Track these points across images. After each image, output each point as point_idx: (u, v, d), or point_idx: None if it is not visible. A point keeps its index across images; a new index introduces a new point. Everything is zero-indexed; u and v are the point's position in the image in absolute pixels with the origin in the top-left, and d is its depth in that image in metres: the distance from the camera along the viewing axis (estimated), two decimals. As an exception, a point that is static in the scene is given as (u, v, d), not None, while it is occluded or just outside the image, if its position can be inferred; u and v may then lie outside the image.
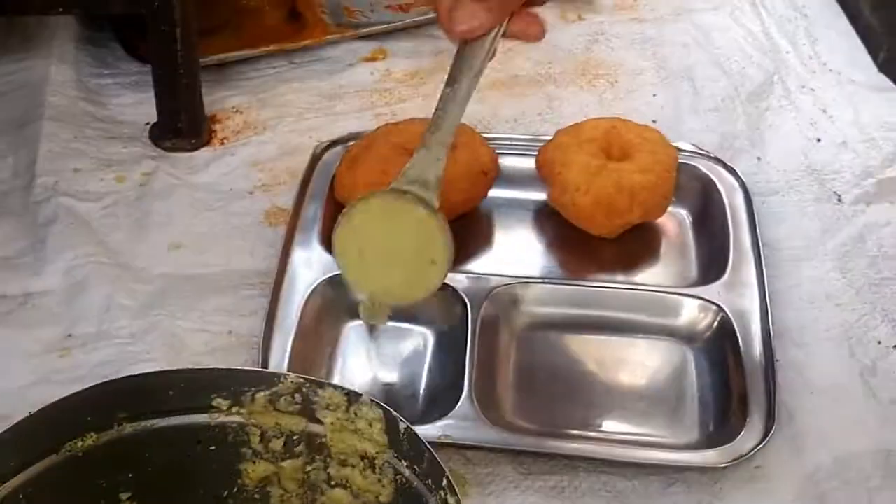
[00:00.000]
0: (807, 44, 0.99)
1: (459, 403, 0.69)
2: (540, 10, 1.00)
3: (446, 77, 0.64)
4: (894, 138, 0.89)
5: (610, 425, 0.71)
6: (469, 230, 0.82)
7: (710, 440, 0.69)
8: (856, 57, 0.98)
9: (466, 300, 0.74)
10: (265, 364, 0.71)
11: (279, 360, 0.71)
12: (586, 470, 0.68)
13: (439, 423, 0.68)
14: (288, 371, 0.68)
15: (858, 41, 0.99)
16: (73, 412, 0.51)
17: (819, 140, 0.90)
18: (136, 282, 0.78)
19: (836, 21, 1.00)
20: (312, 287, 0.75)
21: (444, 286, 0.75)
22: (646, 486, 0.67)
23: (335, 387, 0.51)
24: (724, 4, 1.03)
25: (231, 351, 0.74)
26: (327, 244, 0.78)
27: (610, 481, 0.67)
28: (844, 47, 0.98)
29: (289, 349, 0.71)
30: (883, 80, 0.95)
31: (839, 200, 0.85)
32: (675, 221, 0.83)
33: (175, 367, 0.54)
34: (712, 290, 0.76)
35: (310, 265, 0.77)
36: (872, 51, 0.98)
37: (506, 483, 0.67)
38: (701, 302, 0.75)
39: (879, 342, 0.75)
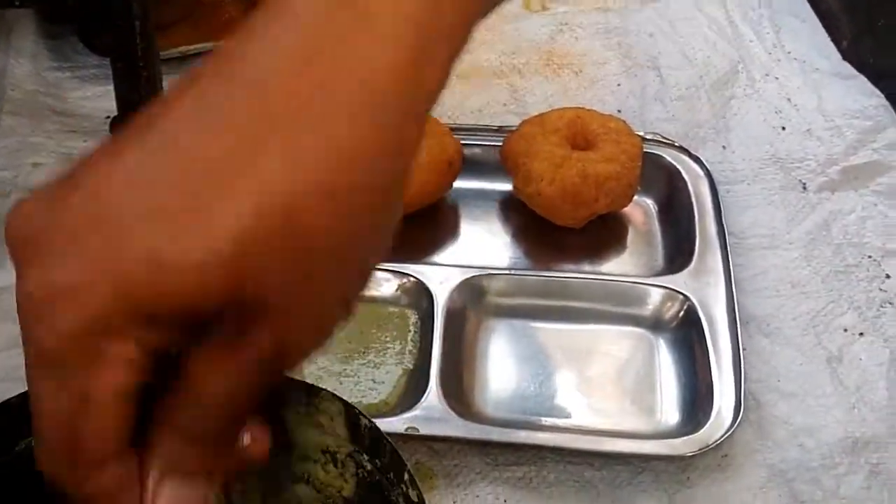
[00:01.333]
0: (771, 32, 0.99)
1: (425, 395, 0.68)
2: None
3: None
4: (858, 126, 0.89)
5: (577, 415, 0.70)
6: (434, 221, 0.82)
7: (677, 429, 0.69)
8: (819, 45, 0.98)
9: (432, 291, 0.74)
10: (228, 359, 0.70)
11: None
12: (554, 460, 0.67)
13: (405, 416, 0.67)
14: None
15: (822, 29, 0.99)
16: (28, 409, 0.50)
17: (784, 128, 0.89)
18: (97, 277, 0.76)
19: (800, 9, 1.00)
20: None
21: (410, 277, 0.75)
22: (613, 476, 0.67)
23: (292, 380, 0.50)
24: (689, -7, 1.02)
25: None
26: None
27: (577, 471, 0.67)
28: (808, 35, 0.98)
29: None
30: (846, 67, 0.95)
31: (804, 189, 0.85)
32: (641, 211, 0.83)
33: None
34: (678, 279, 0.75)
35: (273, 258, 0.76)
36: (836, 38, 0.98)
37: (473, 474, 0.67)
38: (667, 291, 0.75)
39: (845, 330, 0.75)
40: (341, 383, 0.71)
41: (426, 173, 0.79)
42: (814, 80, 0.94)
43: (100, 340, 0.34)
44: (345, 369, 0.71)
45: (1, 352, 0.71)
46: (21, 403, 0.49)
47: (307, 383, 0.50)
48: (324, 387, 0.50)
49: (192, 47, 0.93)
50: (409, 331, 0.74)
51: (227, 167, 0.33)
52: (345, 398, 0.50)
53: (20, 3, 0.88)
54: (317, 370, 0.71)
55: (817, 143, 0.88)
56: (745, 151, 0.87)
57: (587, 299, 0.76)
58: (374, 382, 0.71)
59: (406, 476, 0.47)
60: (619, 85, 0.93)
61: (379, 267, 0.74)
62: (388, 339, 0.73)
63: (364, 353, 0.72)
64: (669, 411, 0.70)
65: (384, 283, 0.75)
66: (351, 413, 0.49)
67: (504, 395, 0.71)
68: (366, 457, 0.49)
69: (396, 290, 0.75)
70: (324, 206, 0.34)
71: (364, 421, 0.49)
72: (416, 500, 0.47)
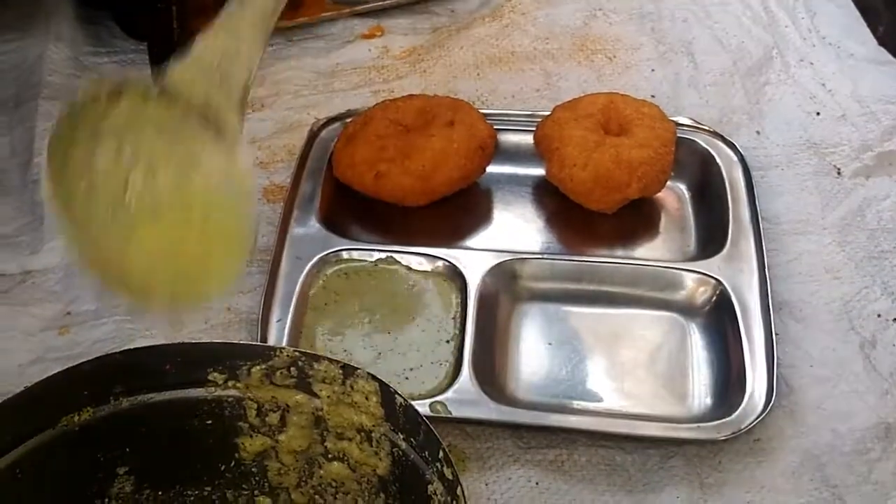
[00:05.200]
0: (805, 17, 0.98)
1: (458, 378, 0.69)
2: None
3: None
4: (893, 111, 0.88)
5: (609, 399, 0.70)
6: (467, 206, 0.82)
7: (709, 414, 0.69)
8: (855, 30, 0.97)
9: (465, 276, 0.74)
10: (264, 340, 0.71)
11: (278, 336, 0.71)
12: (585, 444, 0.68)
13: (438, 398, 0.68)
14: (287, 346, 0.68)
15: (857, 14, 0.98)
16: (69, 387, 0.51)
17: (818, 114, 0.89)
18: (134, 259, 0.77)
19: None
20: (311, 263, 0.75)
21: (444, 261, 0.75)
22: (645, 460, 0.67)
23: (331, 360, 0.51)
24: (723, -21, 1.02)
25: (230, 327, 0.74)
26: (325, 221, 0.78)
27: (609, 455, 0.67)
28: (843, 20, 0.98)
29: (287, 325, 0.71)
30: (882, 53, 0.95)
31: (838, 174, 0.84)
32: (674, 196, 0.83)
33: (179, 342, 0.53)
34: (711, 265, 0.75)
35: (308, 242, 0.77)
36: (871, 24, 0.97)
37: (505, 457, 0.67)
38: (700, 276, 0.75)
39: (879, 315, 0.75)
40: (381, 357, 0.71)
41: (459, 158, 0.79)
42: (849, 65, 0.93)
43: None
44: (390, 348, 0.72)
45: (36, 334, 0.73)
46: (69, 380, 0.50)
47: (344, 363, 0.51)
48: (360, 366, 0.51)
49: (227, 32, 0.94)
50: (454, 313, 0.74)
51: None
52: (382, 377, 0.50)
53: (59, -12, 0.89)
54: (361, 347, 0.72)
55: (852, 128, 0.87)
56: (779, 137, 0.87)
57: (619, 284, 0.76)
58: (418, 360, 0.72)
59: (441, 454, 0.48)
60: (652, 70, 0.93)
61: (414, 251, 0.75)
62: (429, 319, 0.74)
63: (406, 330, 0.73)
64: (701, 396, 0.70)
65: (421, 265, 0.76)
66: (386, 392, 0.50)
67: (536, 378, 0.72)
68: (401, 436, 0.50)
69: (431, 272, 0.76)
70: None
71: (399, 400, 0.50)
72: (450, 478, 0.48)
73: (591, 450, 0.67)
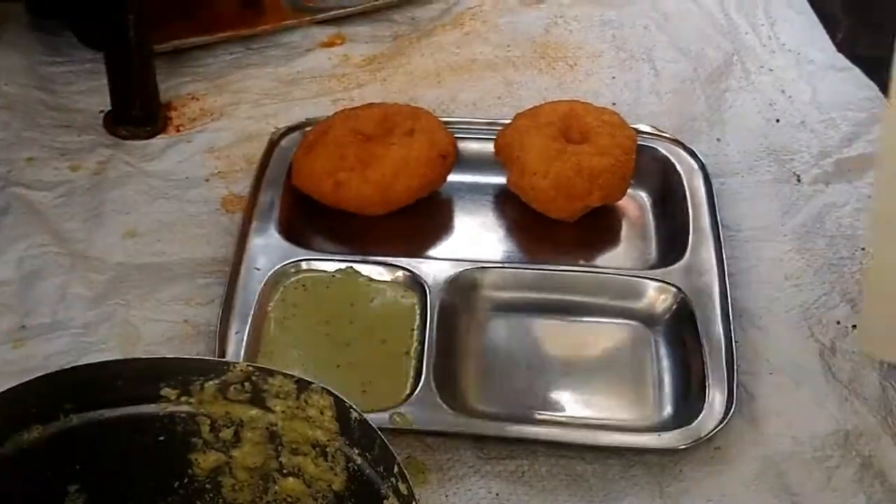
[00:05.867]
0: (765, 24, 0.99)
1: (418, 388, 0.68)
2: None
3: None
4: (852, 118, 0.89)
5: (570, 408, 0.70)
6: (428, 215, 0.82)
7: (669, 422, 0.69)
8: (814, 37, 0.98)
9: (426, 286, 0.74)
10: (222, 353, 0.70)
11: (236, 349, 0.70)
12: (546, 454, 0.67)
13: (399, 409, 0.67)
14: (244, 360, 0.68)
15: (817, 21, 0.99)
16: (18, 403, 0.50)
17: (778, 120, 0.90)
18: (90, 271, 0.77)
19: (795, 0, 1.00)
20: (269, 274, 0.74)
21: (404, 271, 0.75)
22: (605, 470, 0.67)
23: (285, 375, 0.51)
24: (684, -15, 1.03)
25: (187, 340, 0.73)
26: (285, 231, 0.78)
27: (569, 465, 0.67)
28: (803, 27, 0.98)
29: (245, 337, 0.71)
30: (841, 59, 0.95)
31: (798, 181, 0.85)
32: (635, 204, 0.83)
33: (132, 358, 0.53)
34: (672, 273, 0.76)
35: (267, 252, 0.76)
36: (830, 30, 0.98)
37: (466, 468, 0.67)
38: (660, 284, 0.75)
39: (838, 322, 0.75)
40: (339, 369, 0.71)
41: (419, 167, 0.79)
42: (808, 72, 0.94)
43: None
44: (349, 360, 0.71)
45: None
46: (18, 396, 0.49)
47: (298, 377, 0.51)
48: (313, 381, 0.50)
49: (186, 41, 0.94)
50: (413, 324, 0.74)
51: None
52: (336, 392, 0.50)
53: (14, -3, 0.89)
54: (320, 359, 0.71)
55: (811, 135, 0.88)
56: (739, 144, 0.88)
57: (581, 293, 0.75)
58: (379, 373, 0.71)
59: (396, 469, 0.48)
60: (613, 78, 0.93)
61: (374, 261, 0.75)
62: (388, 330, 0.73)
63: (365, 341, 0.72)
64: (662, 404, 0.70)
65: (381, 276, 0.76)
66: (341, 406, 0.50)
67: (497, 389, 0.71)
68: (356, 450, 0.50)
69: (391, 282, 0.75)
70: None
71: (354, 414, 0.49)
72: (405, 493, 0.47)
73: (552, 460, 0.67)
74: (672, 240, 0.79)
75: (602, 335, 0.74)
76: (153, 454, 0.52)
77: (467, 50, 0.95)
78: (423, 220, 0.81)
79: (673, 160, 0.83)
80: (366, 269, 0.75)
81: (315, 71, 0.93)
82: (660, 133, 0.85)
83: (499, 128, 0.83)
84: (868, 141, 0.87)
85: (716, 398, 0.68)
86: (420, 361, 0.70)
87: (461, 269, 0.75)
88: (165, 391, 0.52)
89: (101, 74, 0.87)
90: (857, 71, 0.94)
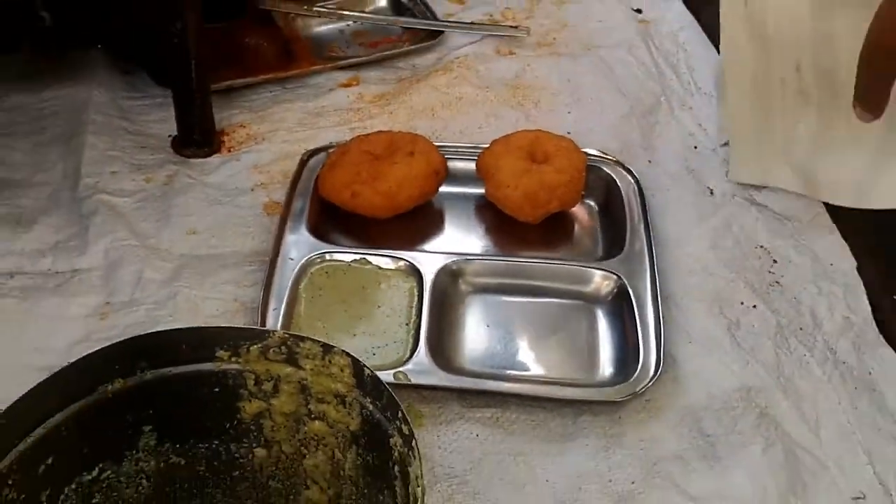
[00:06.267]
0: (686, 72, 0.98)
1: (416, 353, 0.68)
2: (480, 45, 1.00)
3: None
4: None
5: (534, 369, 0.70)
6: (424, 219, 0.81)
7: (611, 380, 0.69)
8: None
9: (422, 273, 0.74)
10: (263, 324, 0.70)
11: (274, 321, 0.70)
12: (516, 404, 0.67)
13: (401, 369, 0.67)
14: (280, 329, 0.68)
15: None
16: (104, 362, 0.50)
17: (696, 147, 0.89)
18: (160, 260, 0.76)
19: (708, 53, 1.00)
20: (300, 263, 0.74)
21: (405, 261, 0.75)
22: (562, 417, 0.67)
23: (313, 340, 0.50)
24: (623, 42, 1.02)
25: (237, 314, 0.73)
26: (312, 230, 0.77)
27: (533, 413, 0.67)
28: (714, 74, 0.98)
29: (281, 312, 0.70)
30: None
31: (711, 194, 0.84)
32: (585, 210, 0.83)
33: (193, 327, 0.52)
34: (613, 264, 0.75)
35: (298, 246, 0.76)
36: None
37: (453, 415, 0.67)
38: (604, 273, 0.75)
39: (742, 303, 0.75)
40: (355, 337, 0.70)
41: (418, 181, 0.79)
42: (718, 110, 0.94)
43: None
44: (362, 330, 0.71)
45: (82, 319, 0.72)
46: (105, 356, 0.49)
47: (323, 342, 0.50)
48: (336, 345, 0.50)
49: (236, 81, 0.93)
50: (412, 302, 0.73)
51: None
52: (354, 354, 0.50)
53: (102, 45, 0.88)
54: (339, 329, 0.71)
55: (721, 159, 0.87)
56: (666, 165, 0.87)
57: (542, 279, 0.75)
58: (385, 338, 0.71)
59: (399, 414, 0.47)
60: (568, 112, 0.93)
61: (382, 253, 0.75)
62: (393, 307, 0.73)
63: (374, 316, 0.72)
64: (606, 366, 0.70)
65: (387, 265, 0.75)
66: (357, 365, 0.49)
67: (477, 353, 0.71)
68: (368, 400, 0.50)
69: (395, 270, 0.75)
70: None
71: (367, 371, 0.49)
72: (407, 433, 0.47)
73: (520, 409, 0.67)
74: (614, 238, 0.79)
75: (559, 312, 0.74)
76: (209, 402, 0.52)
77: (455, 90, 0.94)
78: (421, 222, 0.81)
79: (615, 177, 0.83)
80: (375, 260, 0.75)
81: (336, 106, 0.93)
82: (604, 156, 0.84)
83: (479, 150, 0.82)
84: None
85: (647, 361, 0.68)
86: (417, 331, 0.70)
87: (450, 260, 0.75)
88: (219, 353, 0.51)
89: (170, 107, 0.86)
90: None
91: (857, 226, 0.80)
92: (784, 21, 0.76)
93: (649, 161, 0.88)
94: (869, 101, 0.66)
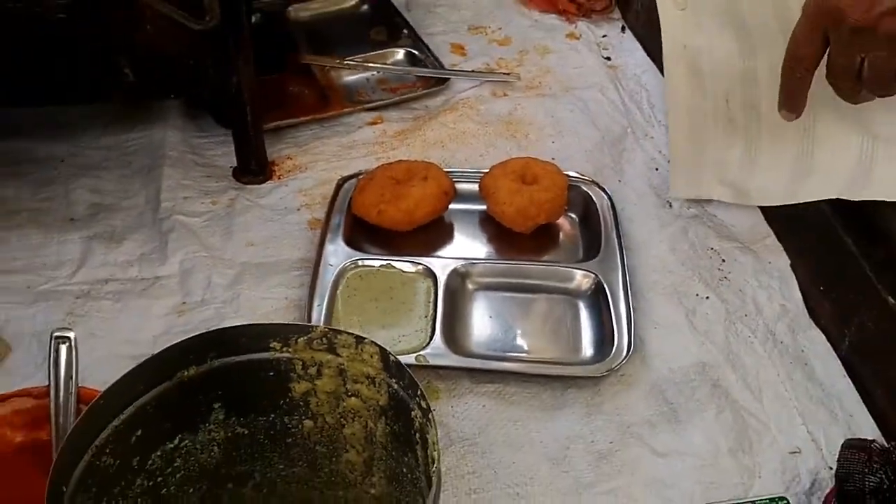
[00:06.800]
0: (647, 107, 0.98)
1: (433, 339, 0.68)
2: (479, 88, 0.99)
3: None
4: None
5: (530, 351, 0.70)
6: (437, 231, 0.81)
7: (592, 359, 0.69)
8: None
9: (436, 275, 0.73)
10: (309, 319, 0.69)
11: (317, 315, 0.70)
12: (514, 381, 0.67)
13: (421, 353, 0.67)
14: (323, 323, 0.68)
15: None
16: (181, 352, 0.50)
17: (657, 169, 0.89)
18: (225, 267, 0.76)
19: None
20: (338, 268, 0.74)
21: (422, 265, 0.74)
22: (552, 390, 0.67)
23: (348, 333, 0.50)
24: (595, 84, 1.01)
25: (287, 311, 0.72)
26: (347, 241, 0.77)
27: (529, 387, 0.67)
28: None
29: (323, 309, 0.70)
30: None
31: (670, 206, 0.84)
32: (568, 222, 0.82)
33: (252, 323, 0.52)
34: (592, 265, 0.75)
35: (336, 254, 0.75)
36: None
37: (464, 390, 0.67)
38: (584, 272, 0.74)
39: (697, 294, 0.75)
40: (384, 328, 0.70)
41: (432, 200, 0.78)
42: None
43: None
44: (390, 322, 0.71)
45: (164, 316, 0.72)
46: (181, 348, 0.49)
47: (356, 334, 0.50)
48: (367, 336, 0.50)
49: (282, 122, 0.93)
50: (429, 299, 0.73)
51: None
52: (382, 343, 0.49)
53: (174, 96, 0.88)
54: (371, 322, 0.70)
55: (678, 178, 0.87)
56: (633, 184, 0.86)
57: (534, 278, 0.75)
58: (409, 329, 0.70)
59: (419, 392, 0.47)
60: (553, 142, 0.93)
61: (403, 259, 0.74)
62: (413, 303, 0.72)
63: (399, 310, 0.72)
64: (587, 348, 0.70)
65: (408, 269, 0.75)
66: (384, 353, 0.49)
67: (482, 339, 0.71)
68: (393, 380, 0.49)
69: (414, 273, 0.74)
70: None
71: (392, 358, 0.49)
72: (425, 407, 0.47)
73: (518, 384, 0.67)
74: (591, 243, 0.78)
75: (548, 304, 0.74)
76: (266, 384, 0.52)
77: (461, 125, 0.94)
78: (434, 234, 0.80)
79: (591, 194, 0.82)
80: (398, 265, 0.75)
81: (364, 140, 0.93)
82: (583, 177, 0.84)
83: (481, 174, 0.82)
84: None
85: (620, 344, 0.68)
86: (434, 322, 0.69)
87: (459, 264, 0.75)
88: (273, 344, 0.51)
89: (230, 143, 0.86)
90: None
91: (790, 228, 0.79)
92: (716, 60, 0.76)
93: (619, 180, 0.87)
94: (790, 104, 0.67)
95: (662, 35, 0.77)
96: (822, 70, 0.63)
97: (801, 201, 0.73)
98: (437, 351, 0.67)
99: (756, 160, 0.76)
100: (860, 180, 0.70)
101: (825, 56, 0.62)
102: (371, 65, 1.02)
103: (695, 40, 0.75)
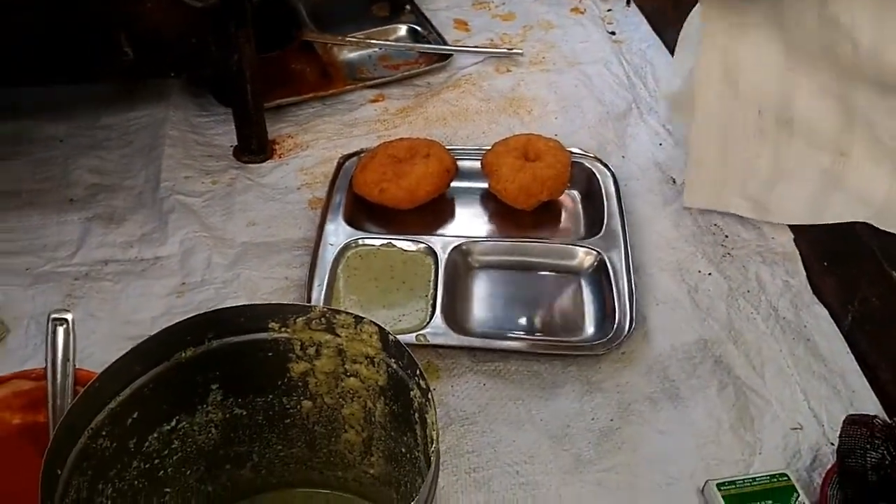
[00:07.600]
0: (652, 82, 0.96)
1: (433, 318, 0.67)
2: (483, 64, 0.98)
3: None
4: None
5: (530, 329, 0.69)
6: (439, 208, 0.80)
7: (593, 336, 0.68)
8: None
9: (437, 253, 0.73)
10: (309, 299, 0.69)
11: (318, 295, 0.69)
12: (515, 358, 0.67)
13: (421, 332, 0.66)
14: (323, 303, 0.67)
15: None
16: (180, 332, 0.49)
17: (661, 144, 0.88)
18: (226, 247, 0.76)
19: (670, 67, 0.97)
20: (338, 247, 0.73)
21: (424, 244, 0.73)
22: (553, 367, 0.66)
23: (347, 313, 0.49)
24: (600, 59, 1.00)
25: (287, 291, 0.72)
26: (348, 220, 0.76)
27: (529, 365, 0.66)
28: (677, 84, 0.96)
29: (323, 288, 0.70)
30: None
31: (673, 182, 0.83)
32: (570, 198, 0.81)
33: (249, 304, 0.51)
34: (594, 242, 0.74)
35: (337, 233, 0.75)
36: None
37: (464, 368, 0.66)
38: (587, 249, 0.73)
39: (700, 271, 0.74)
40: (384, 307, 0.69)
41: (433, 178, 0.77)
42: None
43: None
44: (390, 301, 0.70)
45: (163, 297, 0.71)
46: (179, 329, 0.48)
47: (355, 314, 0.49)
48: (365, 316, 0.49)
49: (284, 100, 0.92)
50: (430, 278, 0.72)
51: None
52: (382, 323, 0.49)
53: (175, 74, 0.87)
54: (371, 301, 0.70)
55: (682, 153, 0.85)
56: (636, 159, 0.86)
57: (536, 256, 0.74)
58: (408, 307, 0.70)
59: (418, 372, 0.47)
60: (556, 118, 0.91)
61: (404, 238, 0.74)
62: (414, 281, 0.72)
63: (399, 289, 0.71)
64: (588, 325, 0.69)
65: (409, 247, 0.74)
66: (383, 332, 0.49)
67: (483, 317, 0.70)
68: (392, 360, 0.49)
69: (415, 251, 0.74)
70: None
71: (391, 337, 0.48)
72: (424, 387, 0.46)
73: (519, 362, 0.66)
74: (594, 220, 0.77)
75: (550, 282, 0.73)
76: (264, 364, 0.51)
77: (463, 102, 0.93)
78: (436, 212, 0.80)
79: (594, 170, 0.81)
80: (399, 244, 0.74)
81: (366, 118, 0.92)
82: (585, 153, 0.83)
83: (483, 151, 0.81)
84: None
85: (622, 321, 0.67)
86: (434, 301, 0.69)
87: (460, 242, 0.74)
88: (271, 325, 0.50)
89: (231, 122, 0.85)
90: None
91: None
92: (755, 70, 0.72)
93: (623, 157, 0.86)
94: None
95: (703, 38, 0.73)
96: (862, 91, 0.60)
97: (825, 222, 0.72)
98: (437, 330, 0.66)
99: (781, 174, 0.74)
100: (893, 208, 0.68)
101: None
102: (373, 41, 1.01)
103: (737, 48, 0.72)
